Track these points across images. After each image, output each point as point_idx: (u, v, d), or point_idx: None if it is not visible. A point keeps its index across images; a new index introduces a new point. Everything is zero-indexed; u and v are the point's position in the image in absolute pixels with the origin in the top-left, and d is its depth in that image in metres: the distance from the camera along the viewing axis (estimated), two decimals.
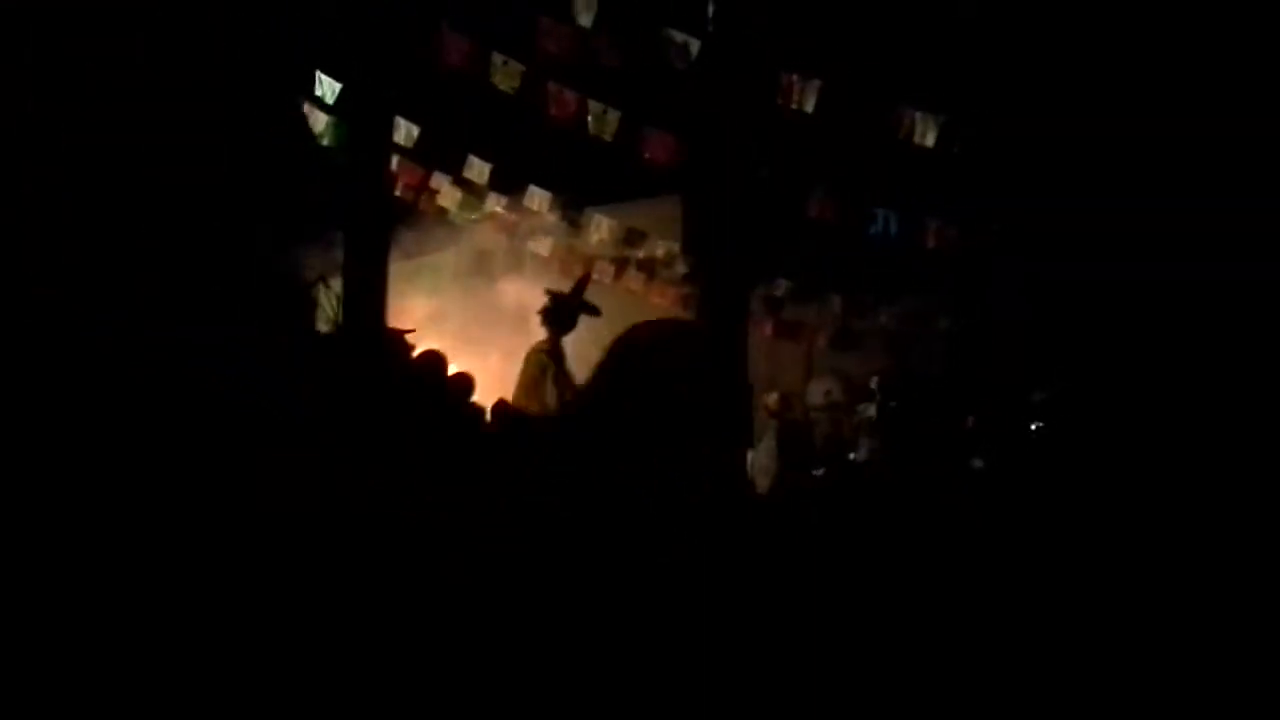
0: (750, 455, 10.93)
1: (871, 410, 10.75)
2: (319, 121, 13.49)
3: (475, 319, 16.30)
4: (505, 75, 12.01)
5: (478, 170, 14.35)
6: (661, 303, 15.30)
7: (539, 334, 11.39)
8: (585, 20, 10.42)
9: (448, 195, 14.95)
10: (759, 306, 15.93)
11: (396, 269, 24.08)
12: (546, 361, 10.71)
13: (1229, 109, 4.35)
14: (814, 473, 6.79)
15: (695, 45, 10.88)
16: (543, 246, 16.08)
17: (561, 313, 10.98)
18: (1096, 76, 4.42)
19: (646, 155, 12.06)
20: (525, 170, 14.83)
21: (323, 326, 11.38)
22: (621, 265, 15.02)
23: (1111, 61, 4.41)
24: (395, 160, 14.12)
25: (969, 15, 4.34)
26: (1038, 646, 4.34)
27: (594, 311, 11.07)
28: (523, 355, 11.83)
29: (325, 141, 13.80)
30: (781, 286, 15.67)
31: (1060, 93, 4.54)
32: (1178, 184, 4.40)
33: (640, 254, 15.58)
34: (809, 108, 9.88)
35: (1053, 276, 5.71)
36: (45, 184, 5.83)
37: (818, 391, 14.01)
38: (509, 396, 9.62)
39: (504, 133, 14.49)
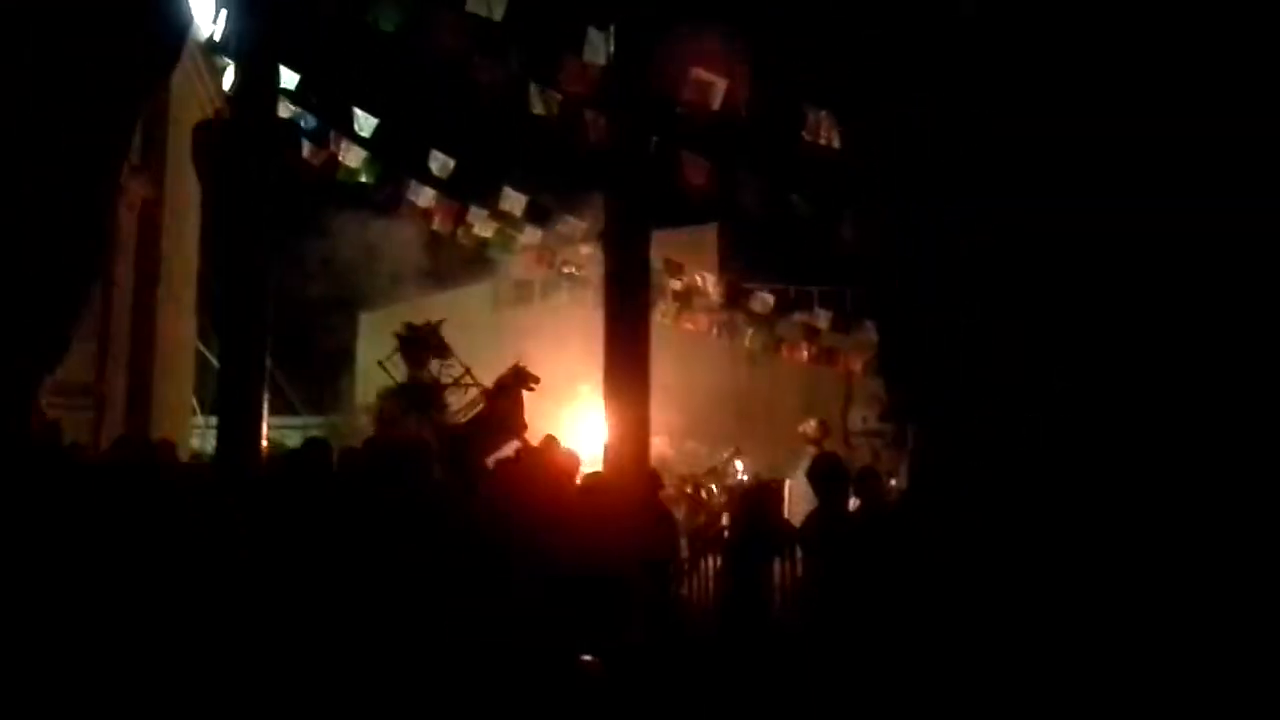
0: (788, 483, 10.79)
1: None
2: (355, 157, 13.60)
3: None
4: (544, 102, 12.05)
5: (513, 201, 14.39)
6: (694, 329, 15.28)
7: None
8: (596, 56, 10.46)
9: (484, 226, 14.99)
10: (798, 333, 15.88)
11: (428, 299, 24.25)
12: None
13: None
14: (849, 505, 6.62)
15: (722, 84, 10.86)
16: (575, 275, 16.10)
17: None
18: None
19: (683, 181, 12.01)
20: (560, 200, 14.87)
21: None
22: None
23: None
24: (432, 194, 14.25)
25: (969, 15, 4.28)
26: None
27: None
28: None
29: (362, 178, 13.95)
30: (820, 316, 15.61)
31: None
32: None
33: (678, 284, 15.57)
34: (835, 142, 9.85)
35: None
36: None
37: (856, 418, 13.88)
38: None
39: (539, 163, 14.56)
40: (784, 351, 15.29)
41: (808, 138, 10.39)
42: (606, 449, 8.65)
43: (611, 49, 9.84)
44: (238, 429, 7.36)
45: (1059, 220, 4.35)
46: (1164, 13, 4.15)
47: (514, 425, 10.67)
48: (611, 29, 9.10)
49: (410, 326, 12.54)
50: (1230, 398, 4.09)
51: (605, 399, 8.45)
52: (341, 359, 24.58)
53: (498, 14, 10.43)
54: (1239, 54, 4.03)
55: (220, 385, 7.61)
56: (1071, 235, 4.34)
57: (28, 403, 6.21)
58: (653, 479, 7.62)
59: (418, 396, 11.24)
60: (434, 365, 12.29)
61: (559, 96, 11.78)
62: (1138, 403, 4.23)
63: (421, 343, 12.14)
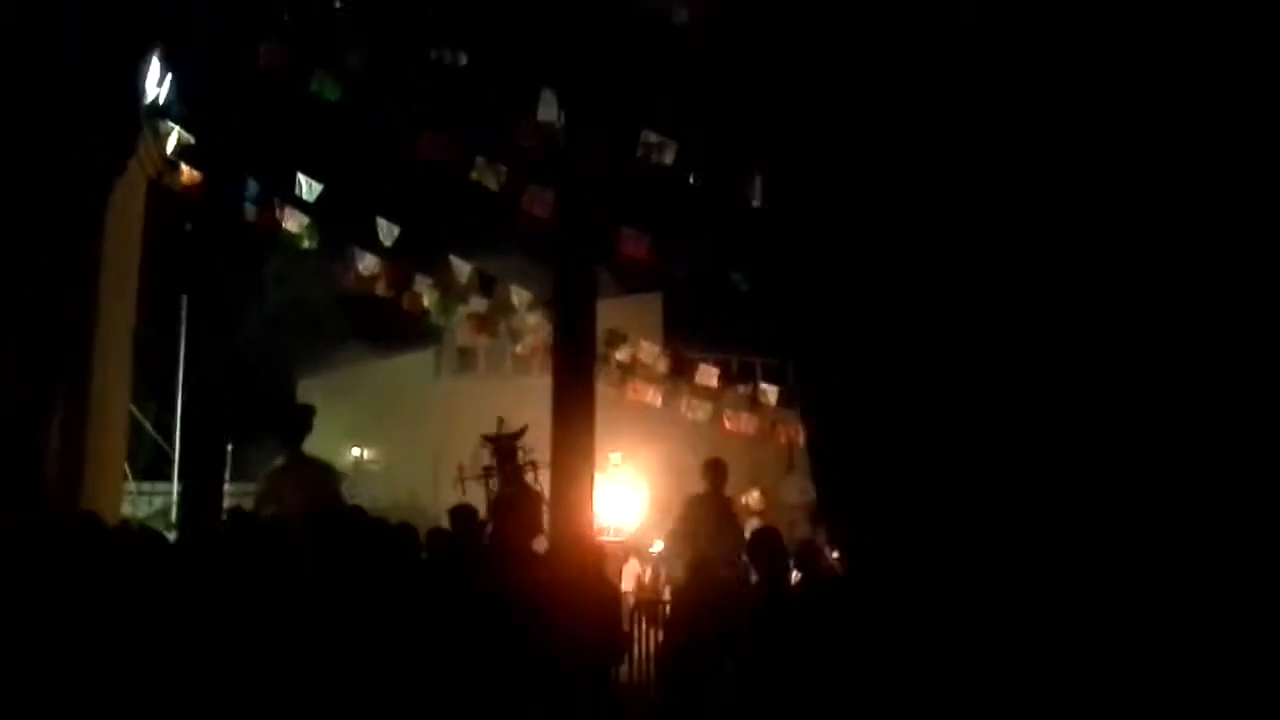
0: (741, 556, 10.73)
1: None
2: (297, 223, 13.51)
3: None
4: (487, 175, 12.08)
5: (458, 270, 14.36)
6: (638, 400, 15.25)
7: None
8: (548, 116, 10.51)
9: (428, 295, 14.92)
10: (742, 404, 15.91)
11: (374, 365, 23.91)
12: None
13: None
14: (790, 579, 6.60)
15: (672, 148, 10.98)
16: (521, 346, 16.05)
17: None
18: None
19: (624, 253, 12.09)
20: (505, 269, 14.88)
21: None
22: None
23: None
24: (375, 261, 14.19)
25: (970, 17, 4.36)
26: None
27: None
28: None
29: (305, 244, 13.86)
30: (765, 389, 15.67)
31: None
32: None
33: (619, 355, 15.56)
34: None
35: None
36: None
37: (794, 489, 13.85)
38: None
39: (483, 232, 14.56)
40: (726, 423, 15.30)
41: (755, 204, 10.51)
42: (550, 522, 8.54)
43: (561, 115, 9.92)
44: (200, 498, 7.35)
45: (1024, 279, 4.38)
46: (1164, 13, 4.20)
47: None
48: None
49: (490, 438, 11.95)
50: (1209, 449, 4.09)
51: (551, 468, 8.34)
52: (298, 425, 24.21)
53: (445, 82, 10.48)
54: (1239, 54, 4.08)
55: (182, 455, 7.67)
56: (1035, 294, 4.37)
57: None
58: (597, 552, 7.52)
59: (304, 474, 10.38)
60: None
61: (504, 169, 11.86)
62: (1091, 483, 4.24)
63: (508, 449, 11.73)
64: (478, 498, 10.39)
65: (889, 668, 4.89)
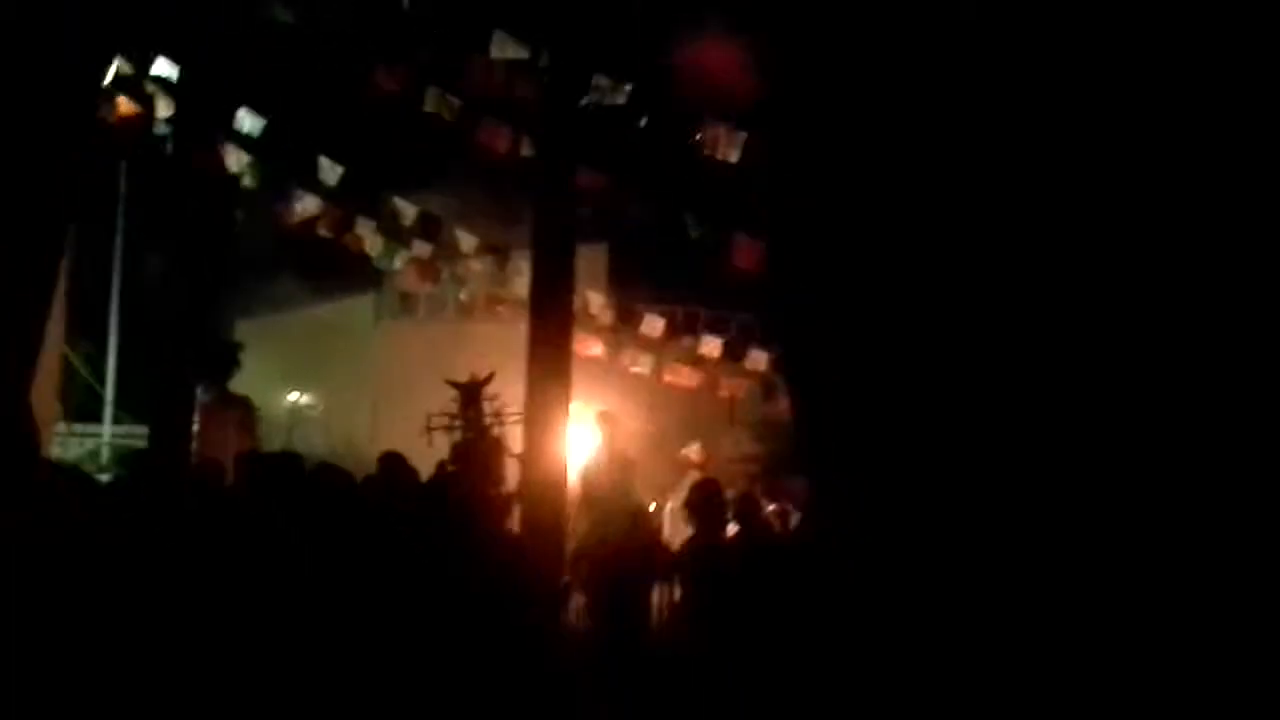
0: (667, 509, 10.75)
1: None
2: (238, 161, 13.18)
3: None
4: (441, 106, 11.80)
5: (402, 212, 14.11)
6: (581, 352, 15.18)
7: None
8: (505, 52, 10.29)
9: (370, 238, 14.66)
10: (684, 357, 15.91)
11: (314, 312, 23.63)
12: None
13: None
14: (724, 533, 6.61)
15: (626, 89, 10.83)
16: (465, 292, 15.90)
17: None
18: None
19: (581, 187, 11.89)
20: (449, 211, 14.65)
21: None
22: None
23: None
24: (317, 202, 13.91)
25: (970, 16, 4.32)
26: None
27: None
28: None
29: (246, 182, 13.54)
30: (707, 341, 15.68)
31: None
32: None
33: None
34: (733, 158, 9.90)
35: None
36: None
37: (731, 443, 13.92)
38: None
39: (428, 173, 14.33)
40: (666, 375, 15.30)
41: (706, 152, 10.41)
42: (522, 467, 8.47)
43: (520, 52, 9.71)
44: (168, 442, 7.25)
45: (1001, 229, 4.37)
46: (1164, 13, 4.18)
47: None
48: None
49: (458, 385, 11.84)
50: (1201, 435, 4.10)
51: (526, 413, 8.25)
52: (223, 368, 23.88)
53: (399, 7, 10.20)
54: (1239, 54, 4.07)
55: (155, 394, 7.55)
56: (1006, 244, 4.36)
57: None
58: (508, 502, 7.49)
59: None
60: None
61: (458, 102, 11.58)
62: (1062, 430, 4.25)
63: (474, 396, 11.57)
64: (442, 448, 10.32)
65: (836, 623, 4.91)
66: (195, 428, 11.54)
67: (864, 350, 4.76)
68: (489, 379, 11.53)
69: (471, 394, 11.49)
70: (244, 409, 11.73)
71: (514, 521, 7.30)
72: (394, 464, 6.83)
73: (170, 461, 7.33)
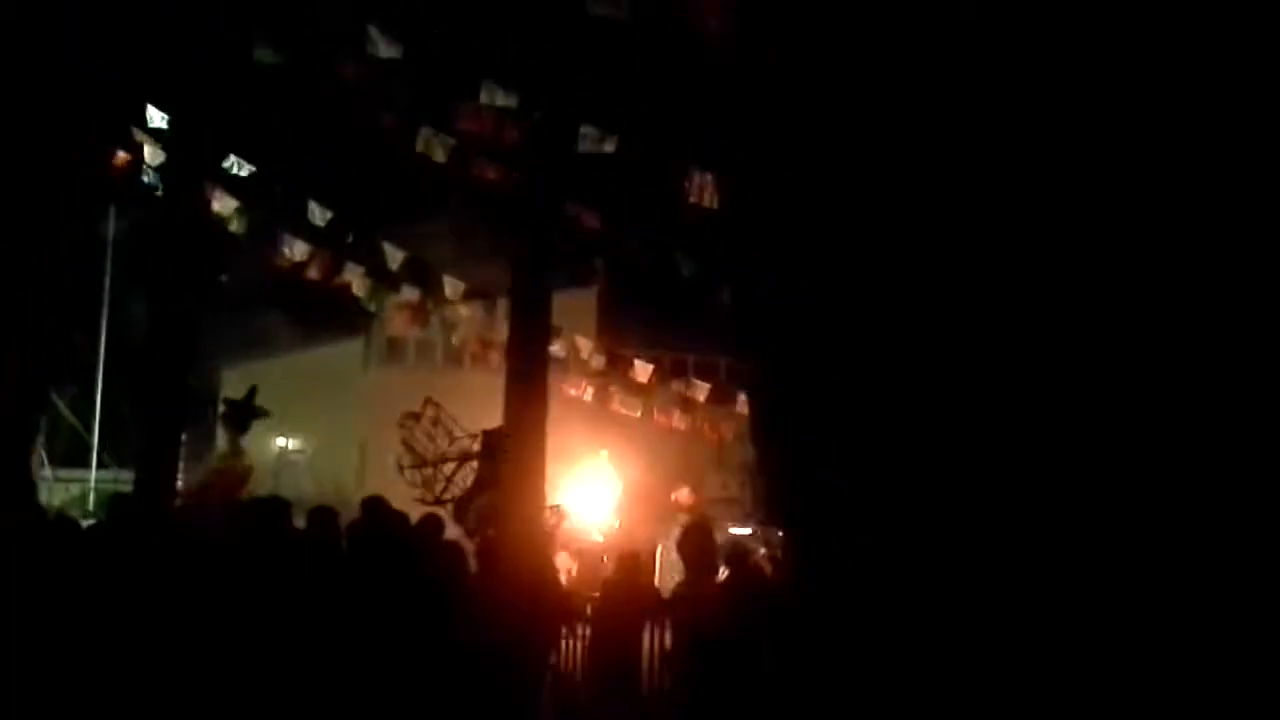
0: (659, 550, 10.71)
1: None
2: (226, 205, 13.20)
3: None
4: (432, 147, 11.84)
5: (390, 257, 14.13)
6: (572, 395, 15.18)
7: None
8: (494, 100, 10.36)
9: (359, 284, 14.66)
10: (673, 401, 15.92)
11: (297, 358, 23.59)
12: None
13: None
14: (714, 576, 6.57)
15: (613, 140, 10.90)
16: (455, 336, 15.89)
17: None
18: None
19: (579, 225, 11.93)
20: (439, 257, 14.68)
21: None
22: None
23: None
24: (305, 246, 13.92)
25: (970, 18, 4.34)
26: None
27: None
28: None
29: (233, 227, 13.55)
30: (696, 386, 15.69)
31: None
32: None
33: (555, 348, 15.47)
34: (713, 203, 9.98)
35: None
36: None
37: (717, 485, 13.90)
38: None
39: (416, 219, 14.34)
40: (656, 418, 15.29)
41: (692, 199, 10.48)
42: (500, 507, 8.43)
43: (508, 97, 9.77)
44: (154, 487, 7.25)
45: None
46: (1164, 14, 4.20)
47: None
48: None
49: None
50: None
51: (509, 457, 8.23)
52: (201, 413, 23.74)
53: (389, 53, 10.27)
54: (1239, 54, 4.09)
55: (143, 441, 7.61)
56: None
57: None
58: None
59: None
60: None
61: (452, 141, 11.61)
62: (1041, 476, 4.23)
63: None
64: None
65: (821, 665, 4.87)
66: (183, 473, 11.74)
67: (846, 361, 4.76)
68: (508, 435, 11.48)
69: (493, 445, 11.26)
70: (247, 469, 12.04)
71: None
72: (376, 508, 6.79)
73: (153, 506, 7.28)
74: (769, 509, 5.70)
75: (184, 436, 11.00)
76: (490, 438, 11.22)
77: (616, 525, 12.93)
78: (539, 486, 8.22)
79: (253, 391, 12.80)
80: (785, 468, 5.13)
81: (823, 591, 4.82)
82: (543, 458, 8.34)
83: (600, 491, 13.78)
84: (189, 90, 9.54)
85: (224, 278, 15.64)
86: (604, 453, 14.42)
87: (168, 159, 9.22)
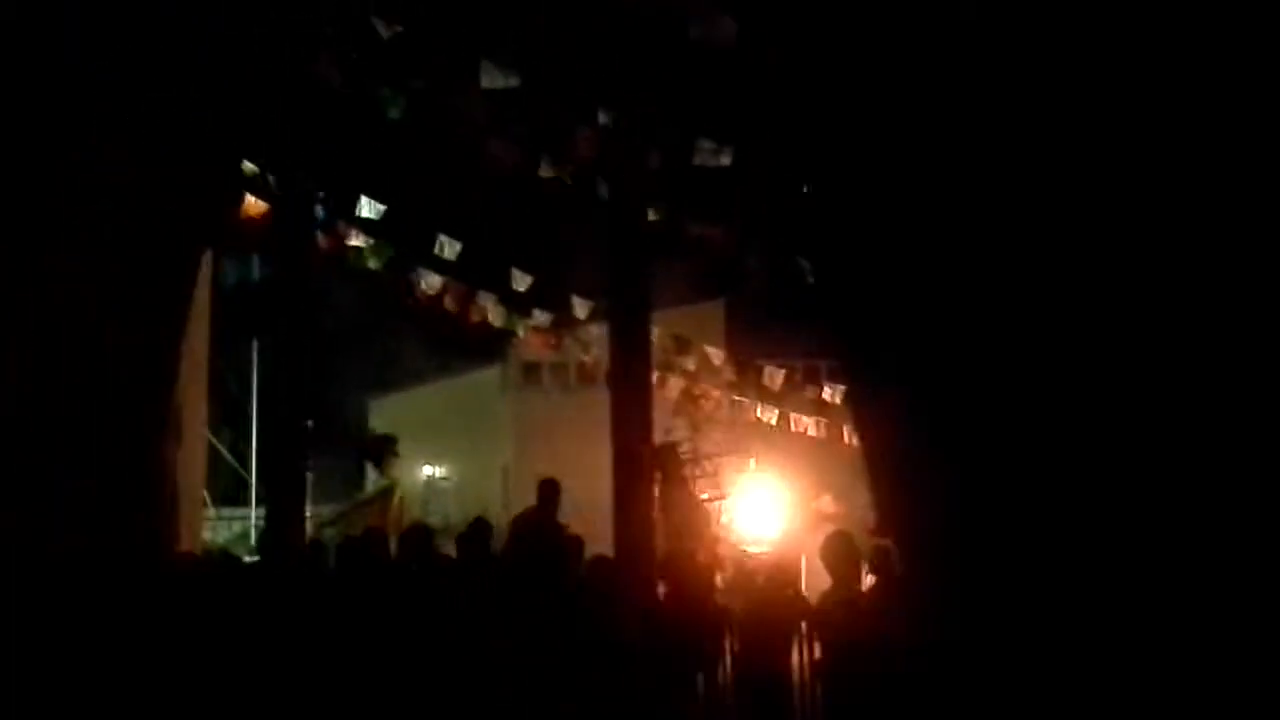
0: (802, 560, 10.61)
1: None
2: (363, 242, 13.63)
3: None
4: (557, 173, 12.04)
5: (519, 283, 14.39)
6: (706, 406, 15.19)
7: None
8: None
9: (492, 310, 14.96)
10: (808, 408, 15.80)
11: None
12: None
13: None
14: (860, 585, 6.51)
15: (728, 152, 10.89)
16: (589, 356, 16.06)
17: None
18: None
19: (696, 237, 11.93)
20: (567, 280, 14.88)
21: None
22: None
23: None
24: (438, 279, 14.28)
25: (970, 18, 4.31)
26: None
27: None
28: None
29: (369, 264, 13.98)
30: (829, 390, 15.54)
31: None
32: None
33: (688, 362, 15.52)
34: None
35: None
36: None
37: (860, 492, 13.66)
38: None
39: (547, 241, 14.57)
40: (791, 426, 15.19)
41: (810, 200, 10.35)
42: (616, 529, 8.52)
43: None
44: (282, 523, 7.54)
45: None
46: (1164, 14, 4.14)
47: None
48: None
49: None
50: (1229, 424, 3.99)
51: (614, 479, 8.33)
52: (345, 445, 24.58)
53: (507, 84, 10.43)
54: (1239, 55, 4.01)
55: (266, 481, 7.86)
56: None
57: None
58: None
59: None
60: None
61: (571, 167, 11.77)
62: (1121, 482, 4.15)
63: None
64: None
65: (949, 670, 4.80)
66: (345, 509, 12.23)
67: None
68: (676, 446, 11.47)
69: (664, 460, 11.21)
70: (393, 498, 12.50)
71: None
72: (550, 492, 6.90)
73: (284, 540, 7.60)
74: (879, 518, 5.69)
75: (312, 471, 11.45)
76: (660, 454, 11.31)
77: (778, 536, 12.87)
78: (646, 502, 8.23)
79: (387, 438, 13.35)
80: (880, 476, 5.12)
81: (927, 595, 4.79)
82: (649, 475, 8.36)
83: (762, 502, 13.70)
84: (315, 136, 9.89)
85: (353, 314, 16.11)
86: (751, 462, 14.34)
87: (288, 200, 9.56)
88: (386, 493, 12.86)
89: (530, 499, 12.08)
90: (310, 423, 8.61)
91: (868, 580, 6.64)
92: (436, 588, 6.07)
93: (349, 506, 12.92)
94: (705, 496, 11.44)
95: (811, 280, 12.13)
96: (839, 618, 6.25)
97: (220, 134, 6.64)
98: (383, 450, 12.31)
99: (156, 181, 6.14)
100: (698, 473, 11.66)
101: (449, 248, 13.91)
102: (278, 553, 7.27)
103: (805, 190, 10.28)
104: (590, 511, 12.63)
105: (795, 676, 7.04)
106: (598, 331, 15.35)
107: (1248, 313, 3.99)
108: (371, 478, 17.11)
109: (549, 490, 9.80)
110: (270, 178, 11.78)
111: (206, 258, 10.99)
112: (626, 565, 7.27)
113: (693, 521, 10.26)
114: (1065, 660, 4.25)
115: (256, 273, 20.33)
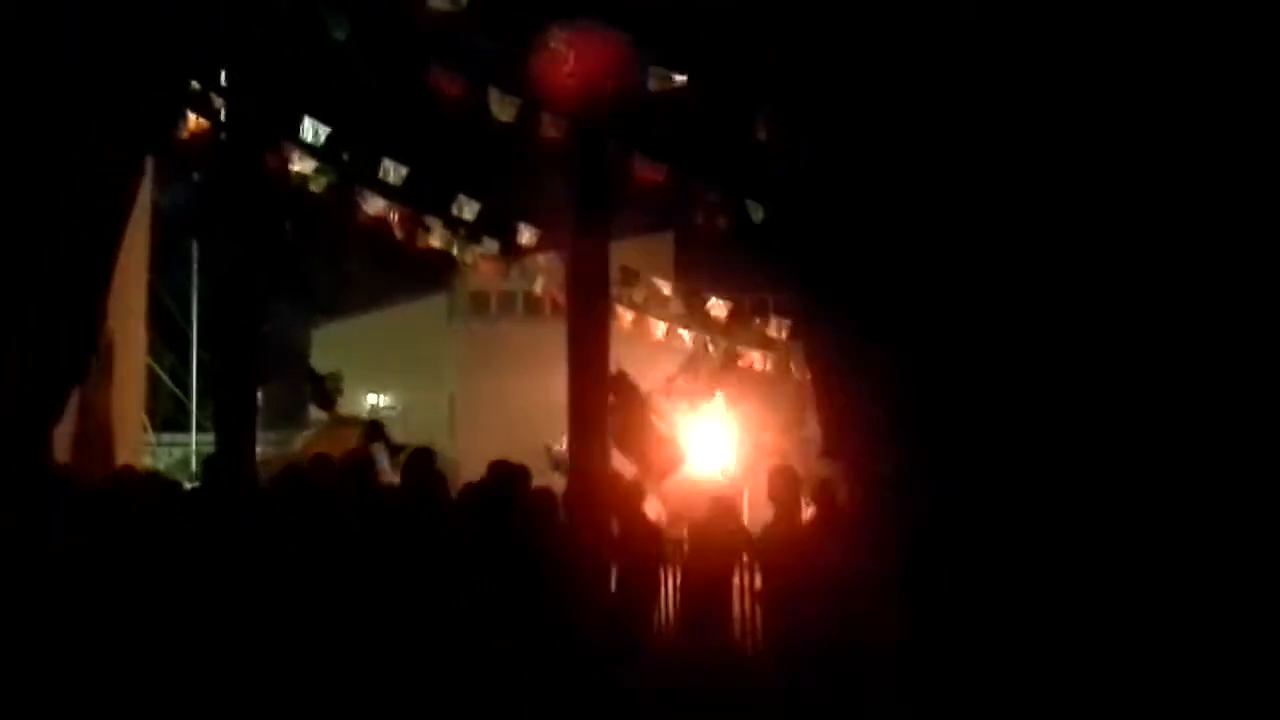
0: (746, 492, 10.73)
1: None
2: (305, 166, 13.38)
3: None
4: (502, 108, 11.88)
5: (468, 210, 14.23)
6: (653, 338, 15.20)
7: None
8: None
9: (439, 236, 14.80)
10: (755, 342, 15.87)
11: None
12: None
13: None
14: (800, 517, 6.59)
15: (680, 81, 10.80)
16: (536, 286, 15.99)
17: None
18: None
19: (640, 179, 11.88)
20: (515, 208, 14.73)
21: None
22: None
23: None
24: (383, 203, 14.08)
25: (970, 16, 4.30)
26: None
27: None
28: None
29: (312, 187, 13.74)
30: (775, 325, 15.62)
31: None
32: None
33: (635, 293, 15.49)
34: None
35: None
36: None
37: (809, 425, 13.80)
38: None
39: (492, 170, 14.39)
40: (739, 360, 15.25)
41: (763, 138, 10.31)
42: (571, 459, 8.51)
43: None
44: (233, 447, 7.48)
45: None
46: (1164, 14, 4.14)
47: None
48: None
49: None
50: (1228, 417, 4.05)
51: (569, 408, 8.31)
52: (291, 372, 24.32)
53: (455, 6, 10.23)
54: (1239, 55, 4.02)
55: (216, 404, 7.75)
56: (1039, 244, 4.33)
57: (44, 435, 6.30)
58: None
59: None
60: None
61: (518, 100, 11.62)
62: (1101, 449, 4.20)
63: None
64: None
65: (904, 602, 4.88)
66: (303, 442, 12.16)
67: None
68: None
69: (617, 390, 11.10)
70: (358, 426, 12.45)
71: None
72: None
73: (237, 464, 7.52)
74: (826, 441, 5.76)
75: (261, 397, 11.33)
76: (614, 383, 11.24)
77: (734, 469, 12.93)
78: (602, 435, 8.24)
79: (329, 377, 13.22)
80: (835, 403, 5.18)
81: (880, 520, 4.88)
82: (604, 408, 8.36)
83: (718, 435, 13.76)
84: (260, 57, 9.63)
85: (295, 236, 15.89)
86: (718, 394, 14.36)
87: (234, 120, 9.33)
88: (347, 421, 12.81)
89: (476, 428, 12.08)
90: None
91: (808, 511, 6.70)
92: (382, 519, 6.03)
93: (318, 431, 12.81)
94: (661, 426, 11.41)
95: (759, 218, 12.15)
96: (779, 547, 6.33)
97: (169, 44, 6.43)
98: (327, 387, 12.19)
99: (103, 86, 5.96)
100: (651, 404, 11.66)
101: (394, 172, 13.73)
102: (225, 478, 7.17)
103: (756, 129, 10.26)
104: (535, 441, 12.67)
105: (736, 606, 7.14)
106: (544, 261, 15.26)
107: (1229, 297, 4.03)
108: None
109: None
110: (216, 98, 11.52)
111: (146, 182, 10.74)
112: (581, 496, 7.27)
113: (650, 452, 10.25)
114: (994, 585, 4.33)
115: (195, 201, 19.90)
